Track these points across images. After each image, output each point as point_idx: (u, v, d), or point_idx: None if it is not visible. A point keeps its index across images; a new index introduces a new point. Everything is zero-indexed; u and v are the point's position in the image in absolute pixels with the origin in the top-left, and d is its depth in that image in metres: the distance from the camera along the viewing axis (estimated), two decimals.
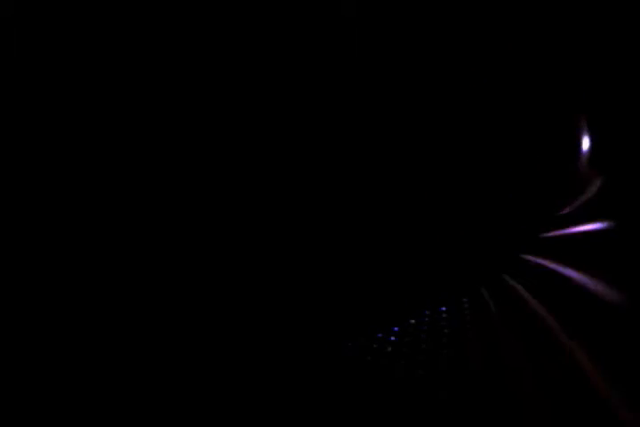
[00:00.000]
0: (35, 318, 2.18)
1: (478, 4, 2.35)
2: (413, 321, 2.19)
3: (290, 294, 2.26)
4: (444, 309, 2.22)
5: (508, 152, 2.30)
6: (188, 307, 2.23)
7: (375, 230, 2.33)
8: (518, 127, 2.32)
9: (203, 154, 2.31)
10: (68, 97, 2.29)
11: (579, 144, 2.02)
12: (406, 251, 2.34)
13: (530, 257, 2.12)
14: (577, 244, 1.78)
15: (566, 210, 1.99)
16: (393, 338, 2.12)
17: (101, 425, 2.08)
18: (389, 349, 2.07)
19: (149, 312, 2.21)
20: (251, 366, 2.17)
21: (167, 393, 2.13)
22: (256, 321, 2.23)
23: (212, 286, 2.24)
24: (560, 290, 1.68)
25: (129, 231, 2.26)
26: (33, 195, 2.25)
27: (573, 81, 2.15)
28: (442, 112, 2.36)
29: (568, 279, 1.63)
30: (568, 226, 1.87)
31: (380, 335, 2.15)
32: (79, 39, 2.29)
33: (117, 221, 2.26)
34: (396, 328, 2.16)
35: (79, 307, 2.20)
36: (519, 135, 2.31)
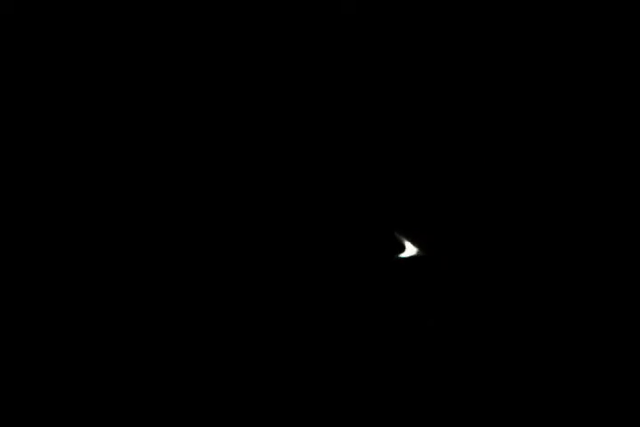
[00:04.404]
0: (34, 318, 2.19)
1: (478, 3, 2.35)
2: None
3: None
4: None
5: None
6: (188, 307, 2.24)
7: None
8: None
9: (202, 154, 2.31)
10: (67, 97, 2.29)
11: None
12: None
13: None
14: None
15: None
16: None
17: (101, 425, 2.09)
18: None
19: (149, 312, 2.21)
20: (250, 366, 2.18)
21: (167, 393, 2.14)
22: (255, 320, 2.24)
23: (212, 285, 2.25)
24: None
25: (128, 231, 2.26)
26: (33, 195, 2.25)
27: None
28: (440, 111, 2.36)
29: None
30: None
31: None
32: (79, 39, 2.29)
33: (117, 221, 2.26)
34: None
35: (79, 307, 2.20)
36: None
